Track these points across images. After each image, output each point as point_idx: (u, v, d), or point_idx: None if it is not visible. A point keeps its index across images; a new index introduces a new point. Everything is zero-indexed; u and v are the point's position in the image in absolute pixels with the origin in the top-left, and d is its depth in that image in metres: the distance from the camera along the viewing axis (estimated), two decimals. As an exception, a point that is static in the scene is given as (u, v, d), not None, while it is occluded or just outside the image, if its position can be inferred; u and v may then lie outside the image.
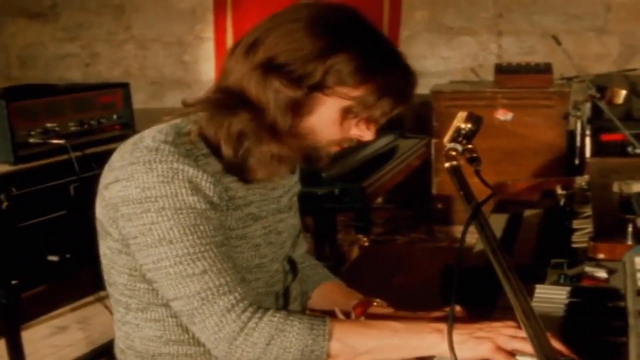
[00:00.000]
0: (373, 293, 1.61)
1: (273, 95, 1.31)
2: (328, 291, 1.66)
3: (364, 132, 1.39)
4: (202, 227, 1.30)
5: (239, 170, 1.36)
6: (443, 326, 1.27)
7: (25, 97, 2.83)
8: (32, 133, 2.77)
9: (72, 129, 2.94)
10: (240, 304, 1.31)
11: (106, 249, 1.41)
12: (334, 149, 1.43)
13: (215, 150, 1.34)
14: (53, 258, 2.73)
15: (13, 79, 5.69)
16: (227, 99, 1.34)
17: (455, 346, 1.23)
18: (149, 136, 1.34)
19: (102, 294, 3.21)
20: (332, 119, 1.35)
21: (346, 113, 1.34)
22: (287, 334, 1.30)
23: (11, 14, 5.92)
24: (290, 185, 1.56)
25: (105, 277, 1.46)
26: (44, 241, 2.73)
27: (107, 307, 2.40)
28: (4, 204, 2.57)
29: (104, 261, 1.44)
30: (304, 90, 1.31)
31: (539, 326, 1.05)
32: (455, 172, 1.24)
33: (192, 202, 1.29)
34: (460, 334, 1.26)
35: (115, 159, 1.36)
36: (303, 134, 1.36)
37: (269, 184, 1.46)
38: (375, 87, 1.31)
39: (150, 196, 1.28)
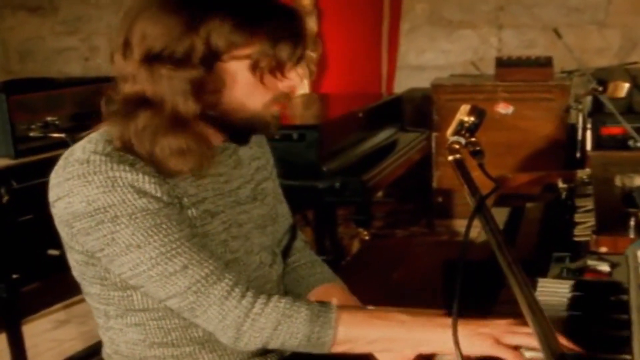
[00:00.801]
0: (373, 288, 1.60)
1: (167, 83, 1.27)
2: (325, 296, 1.56)
3: (289, 81, 1.35)
4: (164, 226, 1.27)
5: (156, 166, 1.30)
6: (449, 321, 1.25)
7: (25, 90, 2.83)
8: (32, 127, 2.77)
9: (73, 122, 2.93)
10: (236, 289, 1.30)
11: (73, 261, 1.39)
12: (274, 110, 1.38)
13: (139, 156, 1.29)
14: (53, 252, 2.72)
15: (12, 73, 5.68)
16: (124, 107, 1.30)
17: (460, 341, 1.22)
18: (79, 148, 1.31)
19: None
20: (249, 82, 1.31)
21: (255, 70, 1.30)
22: (294, 320, 1.30)
23: (10, 7, 5.90)
24: (250, 174, 1.51)
25: (80, 286, 1.44)
26: (44, 235, 2.68)
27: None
28: (5, 198, 2.56)
29: (74, 272, 1.42)
30: (198, 68, 1.26)
31: (544, 320, 1.04)
32: (459, 165, 1.23)
33: (142, 205, 1.26)
34: (465, 329, 1.25)
35: (52, 177, 1.33)
36: (233, 108, 1.33)
37: (220, 178, 1.42)
38: (265, 36, 1.28)
39: (98, 207, 1.25)
